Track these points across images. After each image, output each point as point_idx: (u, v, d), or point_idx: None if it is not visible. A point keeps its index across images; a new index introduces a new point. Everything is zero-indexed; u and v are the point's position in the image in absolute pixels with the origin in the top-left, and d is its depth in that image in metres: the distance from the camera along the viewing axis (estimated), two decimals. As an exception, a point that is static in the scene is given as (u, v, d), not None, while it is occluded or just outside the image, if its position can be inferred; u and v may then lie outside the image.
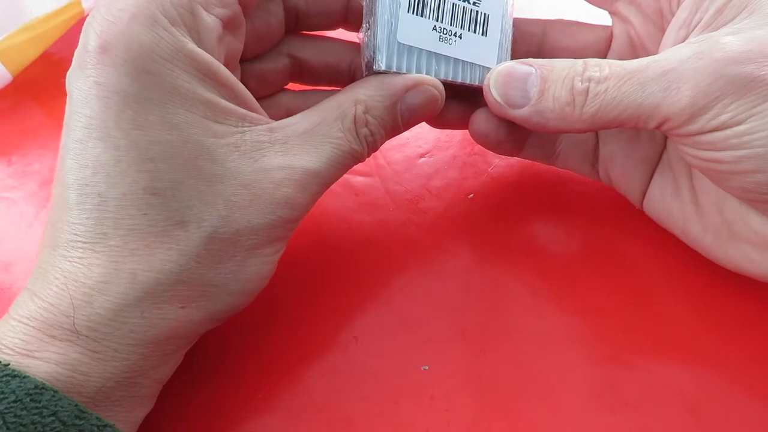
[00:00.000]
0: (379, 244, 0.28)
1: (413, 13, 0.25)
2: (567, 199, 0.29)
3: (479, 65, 0.26)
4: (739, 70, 0.20)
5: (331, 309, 0.27)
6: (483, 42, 0.26)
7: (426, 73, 0.25)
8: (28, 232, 0.30)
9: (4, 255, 0.29)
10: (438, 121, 0.28)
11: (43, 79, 0.39)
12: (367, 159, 0.25)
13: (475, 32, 0.26)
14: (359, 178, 0.31)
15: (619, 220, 0.28)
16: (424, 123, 0.27)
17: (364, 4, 0.25)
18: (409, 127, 0.25)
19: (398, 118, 0.24)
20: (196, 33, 0.21)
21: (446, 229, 0.29)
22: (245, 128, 0.22)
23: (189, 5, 0.21)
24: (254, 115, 0.22)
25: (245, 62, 0.27)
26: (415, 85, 0.24)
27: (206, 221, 0.20)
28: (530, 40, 0.28)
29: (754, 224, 0.23)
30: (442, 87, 0.25)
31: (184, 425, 0.24)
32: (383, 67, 0.24)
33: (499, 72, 0.25)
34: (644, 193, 0.27)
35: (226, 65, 0.22)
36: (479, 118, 0.27)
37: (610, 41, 0.27)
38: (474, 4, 0.26)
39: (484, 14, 0.26)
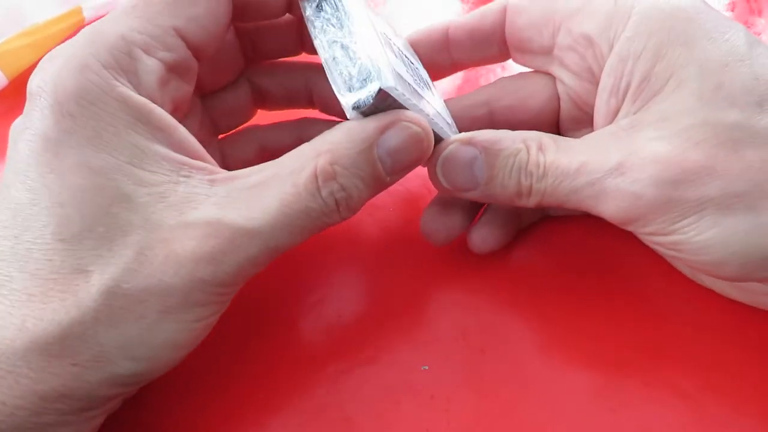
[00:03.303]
0: (379, 244, 0.28)
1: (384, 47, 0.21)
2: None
3: (445, 120, 0.24)
4: (658, 193, 0.20)
5: (331, 309, 0.27)
6: (438, 100, 0.25)
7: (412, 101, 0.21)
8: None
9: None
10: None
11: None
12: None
13: (430, 90, 0.25)
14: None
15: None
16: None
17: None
18: (398, 177, 0.22)
19: (378, 166, 0.21)
20: (135, 76, 0.20)
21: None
22: (181, 178, 0.20)
23: (126, 48, 0.20)
24: (196, 162, 0.20)
25: (207, 96, 0.27)
26: (391, 124, 0.21)
27: (109, 273, 0.18)
28: (478, 113, 0.27)
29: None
30: (425, 123, 0.22)
31: (184, 425, 0.24)
32: (390, 83, 0.20)
33: (444, 158, 0.23)
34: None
35: (173, 109, 0.22)
36: (478, 243, 0.26)
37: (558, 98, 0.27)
38: (412, 63, 0.24)
39: (425, 78, 0.25)
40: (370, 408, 0.24)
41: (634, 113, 0.22)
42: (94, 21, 0.40)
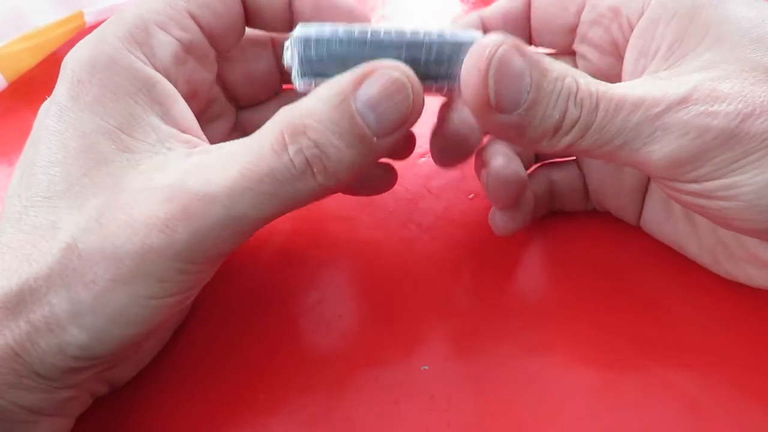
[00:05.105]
0: (379, 243, 0.28)
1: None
2: (562, 210, 0.29)
3: (431, 30, 0.20)
4: (726, 125, 0.19)
5: (331, 308, 0.27)
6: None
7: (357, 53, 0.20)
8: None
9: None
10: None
11: (43, 80, 0.39)
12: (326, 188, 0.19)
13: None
14: (359, 179, 0.31)
15: (619, 222, 0.28)
16: (425, 123, 0.26)
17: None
18: (391, 138, 0.20)
19: (358, 122, 0.19)
20: (149, 48, 0.21)
21: (446, 229, 0.29)
22: (163, 149, 0.20)
23: (143, 24, 0.21)
24: (184, 135, 0.21)
25: (245, 109, 0.28)
26: (368, 73, 0.19)
27: (70, 231, 0.19)
28: None
29: (750, 245, 0.23)
30: (406, 68, 0.19)
31: (184, 425, 0.24)
32: (300, 33, 0.19)
33: (499, 59, 0.19)
34: (639, 215, 0.27)
35: (190, 93, 0.23)
36: (499, 224, 0.26)
37: None
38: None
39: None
40: (370, 408, 0.24)
41: (666, 69, 0.22)
42: (96, 25, 0.41)
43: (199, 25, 0.23)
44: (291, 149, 0.18)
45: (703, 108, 0.19)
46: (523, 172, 0.25)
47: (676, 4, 0.22)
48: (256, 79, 0.27)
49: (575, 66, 0.26)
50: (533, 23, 0.26)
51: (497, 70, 0.19)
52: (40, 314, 0.19)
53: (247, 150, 0.19)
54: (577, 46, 0.26)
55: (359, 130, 0.19)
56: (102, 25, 0.22)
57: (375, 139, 0.19)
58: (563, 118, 0.20)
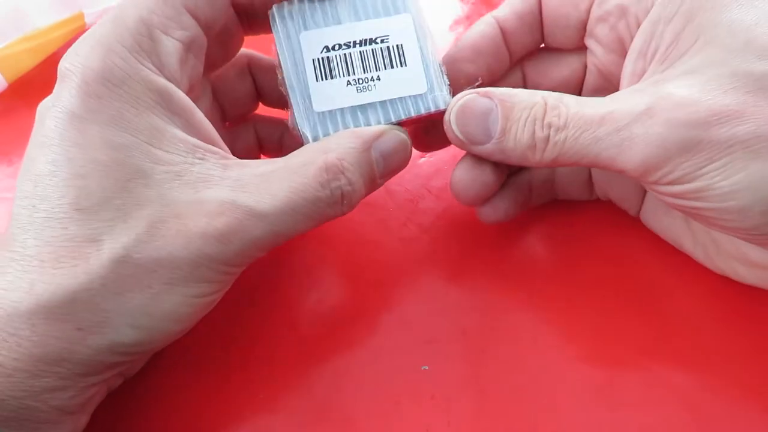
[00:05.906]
0: (379, 244, 0.29)
1: (322, 79, 0.25)
2: (567, 199, 0.29)
3: (410, 96, 0.25)
4: (688, 134, 0.20)
5: (330, 309, 0.27)
6: (405, 72, 0.25)
7: (358, 126, 0.24)
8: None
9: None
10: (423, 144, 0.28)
11: (43, 81, 0.39)
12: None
13: (393, 67, 0.25)
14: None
15: (619, 221, 0.28)
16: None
17: (282, 88, 0.25)
18: (384, 181, 0.25)
19: (374, 166, 0.23)
20: (156, 57, 0.22)
21: (446, 229, 0.29)
22: (196, 160, 0.21)
23: (147, 31, 0.21)
24: (209, 146, 0.22)
25: (216, 84, 0.28)
26: (382, 133, 0.24)
27: (121, 243, 0.19)
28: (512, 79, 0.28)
29: (740, 244, 0.24)
30: (406, 132, 0.25)
31: (184, 425, 0.24)
32: (311, 141, 0.24)
33: (459, 107, 0.24)
34: (640, 208, 0.28)
35: (190, 87, 0.23)
36: (482, 213, 0.27)
37: (585, 70, 0.27)
38: (382, 41, 0.25)
39: (397, 45, 0.25)
40: (370, 408, 0.24)
41: (661, 72, 0.22)
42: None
43: (197, 19, 0.23)
44: (333, 184, 0.22)
45: (665, 117, 0.20)
46: (485, 178, 0.25)
47: (677, 6, 0.22)
48: (225, 43, 0.26)
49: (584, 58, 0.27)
50: (545, 20, 0.27)
51: (458, 117, 0.24)
52: (93, 320, 0.19)
53: (293, 177, 0.22)
54: (586, 41, 0.26)
55: (373, 174, 0.23)
56: (100, 27, 0.21)
57: (378, 180, 0.24)
58: (533, 138, 0.23)
